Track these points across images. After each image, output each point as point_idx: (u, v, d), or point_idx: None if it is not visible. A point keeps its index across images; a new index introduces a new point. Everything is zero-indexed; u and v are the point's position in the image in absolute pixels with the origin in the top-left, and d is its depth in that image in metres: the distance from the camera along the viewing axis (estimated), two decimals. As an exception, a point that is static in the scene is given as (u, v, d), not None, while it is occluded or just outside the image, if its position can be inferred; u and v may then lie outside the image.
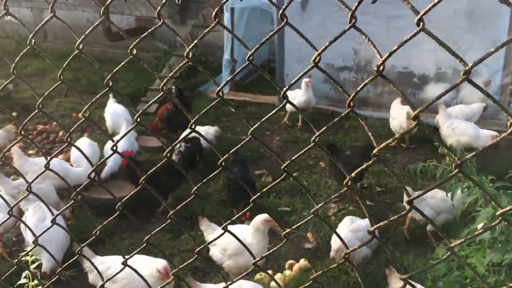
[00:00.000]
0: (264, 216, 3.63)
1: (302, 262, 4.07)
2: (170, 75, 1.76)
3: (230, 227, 1.45)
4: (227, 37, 7.34)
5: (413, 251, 3.91)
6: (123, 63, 1.55)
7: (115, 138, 5.26)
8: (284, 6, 1.23)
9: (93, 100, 1.70)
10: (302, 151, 1.37)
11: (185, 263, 1.80)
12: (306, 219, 1.55)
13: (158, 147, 5.99)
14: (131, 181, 4.91)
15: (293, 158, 1.36)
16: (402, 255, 3.76)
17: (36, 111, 1.76)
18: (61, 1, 9.26)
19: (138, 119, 1.53)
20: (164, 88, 1.49)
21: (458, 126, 5.48)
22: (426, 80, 6.87)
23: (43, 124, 6.67)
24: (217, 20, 1.33)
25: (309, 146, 1.32)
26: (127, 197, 1.68)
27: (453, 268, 3.10)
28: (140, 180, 1.54)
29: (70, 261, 2.09)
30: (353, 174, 1.27)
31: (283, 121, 6.79)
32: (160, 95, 1.53)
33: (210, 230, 3.85)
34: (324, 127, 1.32)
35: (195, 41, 1.46)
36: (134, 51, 1.46)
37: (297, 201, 5.00)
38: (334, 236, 3.84)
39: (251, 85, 7.99)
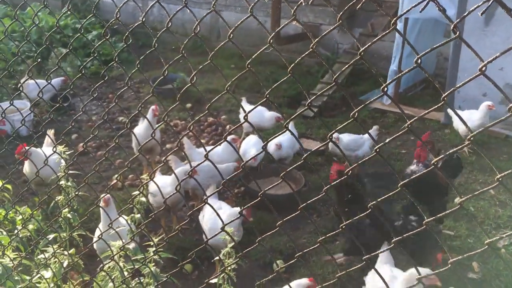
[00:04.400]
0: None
1: None
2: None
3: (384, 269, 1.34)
4: (396, 48, 7.12)
5: None
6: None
7: (275, 141, 5.41)
8: (457, 20, 1.16)
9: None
10: (482, 190, 1.23)
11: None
12: (476, 252, 1.40)
13: (318, 150, 6.10)
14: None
15: (469, 196, 1.24)
16: None
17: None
18: (238, 5, 9.98)
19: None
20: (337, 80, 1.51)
21: None
22: None
23: (213, 116, 7.27)
24: (393, 26, 1.30)
25: (494, 185, 1.20)
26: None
27: None
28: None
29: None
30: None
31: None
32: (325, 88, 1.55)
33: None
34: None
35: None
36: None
37: (461, 226, 4.65)
38: None
39: (415, 98, 7.63)
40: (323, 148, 6.17)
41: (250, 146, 5.42)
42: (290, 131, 1.60)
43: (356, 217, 1.46)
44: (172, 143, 6.54)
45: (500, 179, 1.19)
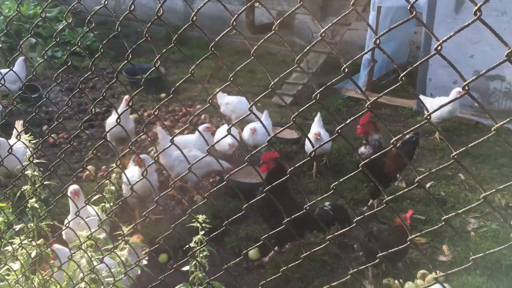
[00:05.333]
0: None
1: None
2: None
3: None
4: (369, 36, 7.17)
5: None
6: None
7: (252, 123, 5.42)
8: (413, 1, 1.18)
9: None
10: (438, 168, 1.28)
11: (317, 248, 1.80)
12: (436, 226, 1.46)
13: (292, 139, 6.13)
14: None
15: (426, 173, 1.27)
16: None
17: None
18: (211, -7, 9.88)
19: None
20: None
21: None
22: None
23: (188, 106, 7.22)
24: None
25: (449, 163, 1.23)
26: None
27: None
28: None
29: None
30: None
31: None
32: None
33: None
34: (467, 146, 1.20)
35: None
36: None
37: (432, 210, 4.73)
38: None
39: (387, 87, 7.63)
40: (297, 136, 6.22)
41: (224, 134, 5.42)
42: (254, 114, 1.60)
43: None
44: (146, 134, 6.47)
45: (455, 156, 1.21)
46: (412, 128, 1.34)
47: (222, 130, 5.66)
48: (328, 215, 4.00)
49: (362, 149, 4.63)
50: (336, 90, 7.59)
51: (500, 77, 6.42)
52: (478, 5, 1.10)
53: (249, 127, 5.54)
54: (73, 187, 3.60)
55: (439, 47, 1.20)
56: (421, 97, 6.31)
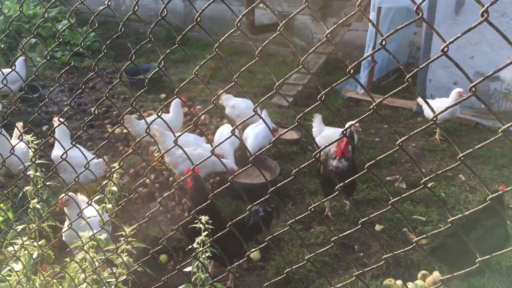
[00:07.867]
0: None
1: (436, 274, 3.89)
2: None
3: None
4: (369, 37, 7.17)
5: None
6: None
7: (252, 126, 5.42)
8: (420, 2, 1.17)
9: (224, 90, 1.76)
10: (444, 170, 1.28)
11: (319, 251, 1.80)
12: (441, 229, 1.46)
13: (293, 140, 6.12)
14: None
15: (433, 175, 1.27)
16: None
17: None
18: (211, -6, 9.88)
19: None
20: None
21: None
22: None
23: (188, 107, 7.21)
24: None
25: (455, 164, 1.23)
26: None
27: None
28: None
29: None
30: None
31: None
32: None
33: None
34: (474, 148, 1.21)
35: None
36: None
37: (433, 211, 4.74)
38: None
39: (388, 87, 7.73)
40: (297, 137, 6.22)
41: (224, 137, 5.42)
42: (259, 115, 1.60)
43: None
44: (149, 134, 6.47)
45: (461, 158, 1.20)
46: (418, 130, 1.34)
47: (222, 130, 5.66)
48: (259, 214, 3.98)
49: (335, 163, 4.60)
50: (336, 91, 7.59)
51: (501, 78, 6.42)
52: (486, 6, 1.10)
53: (247, 142, 5.53)
54: (63, 197, 3.53)
55: (446, 49, 1.19)
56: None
